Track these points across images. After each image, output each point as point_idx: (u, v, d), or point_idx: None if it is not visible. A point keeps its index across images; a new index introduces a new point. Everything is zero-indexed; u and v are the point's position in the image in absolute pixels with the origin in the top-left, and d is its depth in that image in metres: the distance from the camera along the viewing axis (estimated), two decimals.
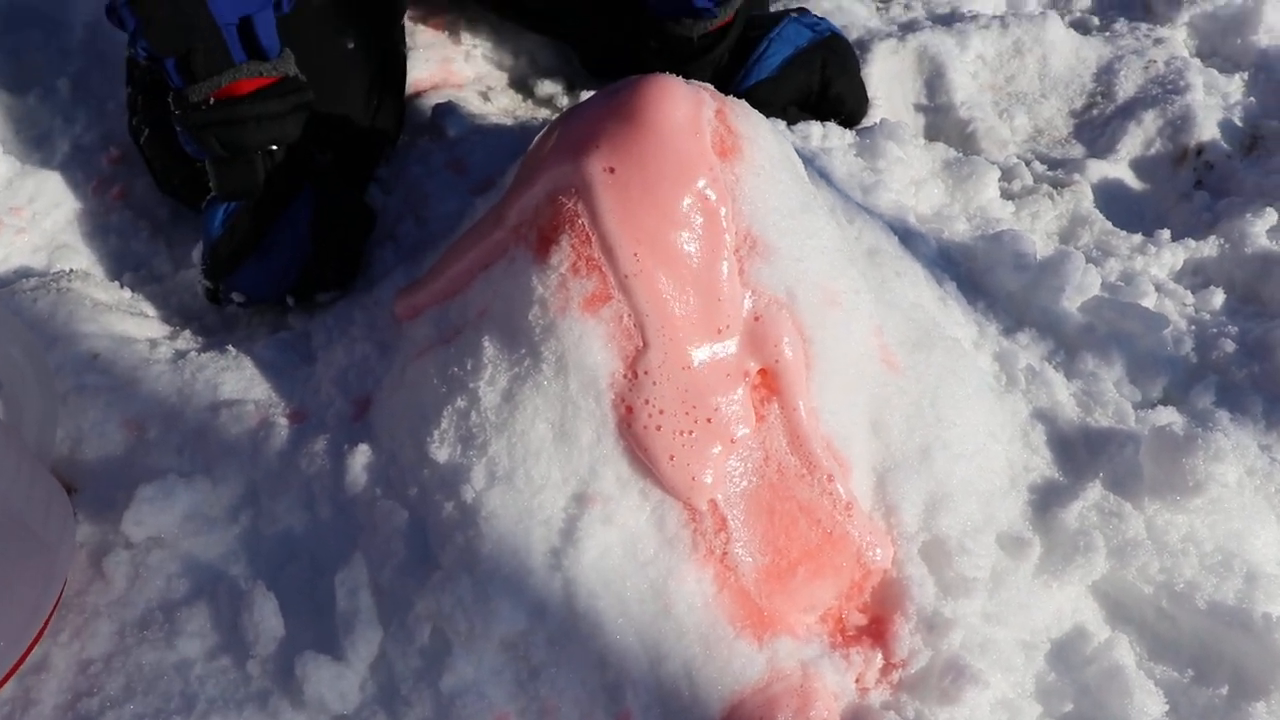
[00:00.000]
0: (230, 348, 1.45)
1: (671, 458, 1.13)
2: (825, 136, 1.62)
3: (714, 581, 1.15)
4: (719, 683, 1.13)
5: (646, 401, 1.13)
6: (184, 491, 1.26)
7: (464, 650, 1.13)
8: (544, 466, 1.15)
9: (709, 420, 1.13)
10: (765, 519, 1.17)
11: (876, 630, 1.21)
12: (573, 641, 1.13)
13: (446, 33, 1.98)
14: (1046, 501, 1.29)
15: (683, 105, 1.12)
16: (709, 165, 1.12)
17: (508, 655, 1.14)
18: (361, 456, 1.25)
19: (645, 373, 1.13)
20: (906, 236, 1.46)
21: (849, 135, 1.65)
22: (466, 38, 1.98)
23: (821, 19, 1.85)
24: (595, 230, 1.11)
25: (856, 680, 1.17)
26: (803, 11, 1.87)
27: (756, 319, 1.16)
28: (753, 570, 1.16)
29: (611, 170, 1.10)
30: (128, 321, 1.50)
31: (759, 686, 1.13)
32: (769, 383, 1.17)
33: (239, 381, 1.39)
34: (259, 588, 1.18)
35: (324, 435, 1.30)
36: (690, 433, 1.13)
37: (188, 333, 1.53)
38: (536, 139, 1.25)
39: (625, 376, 1.13)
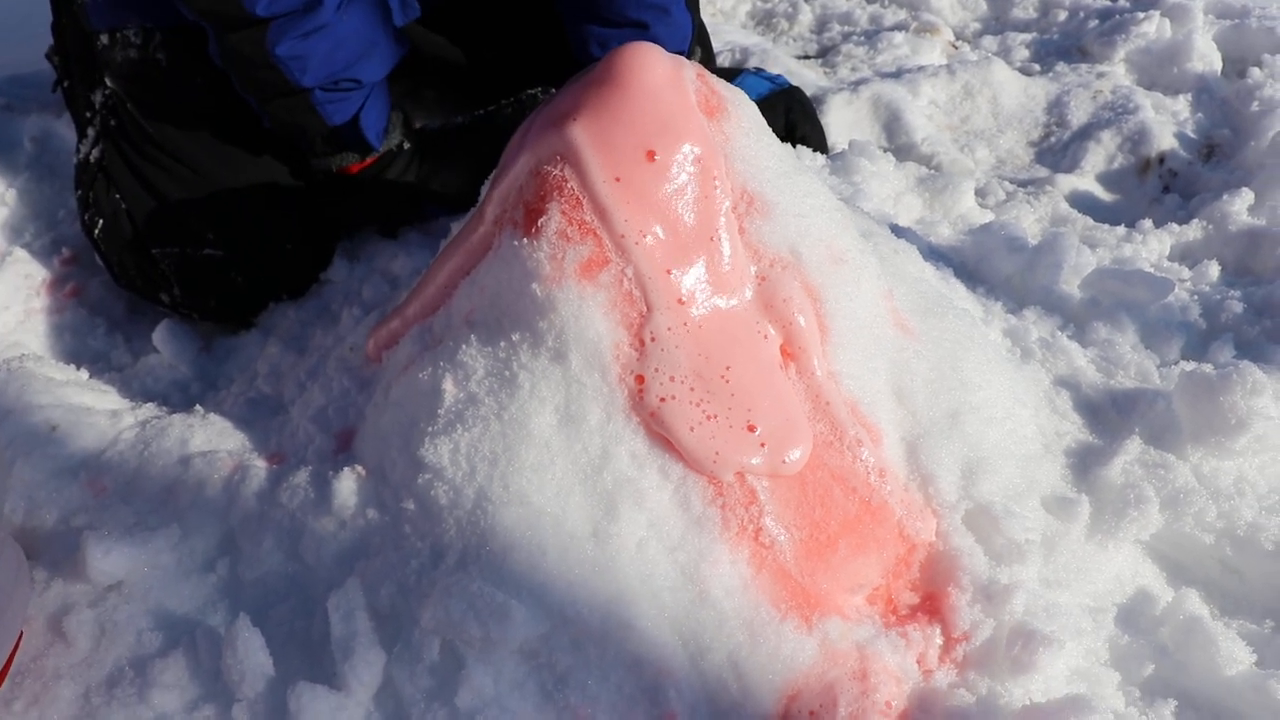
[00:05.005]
0: (199, 408, 1.36)
1: (691, 428, 1.05)
2: (798, 158, 1.61)
3: (750, 562, 1.05)
4: (770, 671, 1.01)
5: (657, 370, 1.05)
6: (154, 542, 1.14)
7: (480, 663, 1.00)
8: (551, 454, 1.06)
9: (727, 382, 1.05)
10: (797, 490, 1.08)
11: (931, 606, 1.10)
12: (601, 642, 1.01)
13: None
14: (1085, 463, 1.21)
15: (663, 65, 1.09)
16: (696, 121, 1.08)
17: (530, 664, 1.01)
18: (349, 481, 1.14)
19: (653, 339, 1.06)
20: (896, 231, 1.43)
21: (821, 158, 1.64)
22: None
23: (778, 74, 1.89)
24: (586, 192, 1.06)
25: (918, 660, 1.05)
26: (759, 69, 1.91)
27: (762, 280, 1.10)
28: (790, 547, 1.06)
29: (597, 132, 1.06)
30: (87, 395, 1.40)
31: (814, 672, 1.02)
32: (784, 347, 1.11)
33: (209, 435, 1.29)
34: (243, 623, 1.05)
35: (306, 469, 1.19)
36: (708, 400, 1.05)
37: (151, 405, 1.42)
38: (514, 135, 1.21)
39: (631, 346, 1.06)
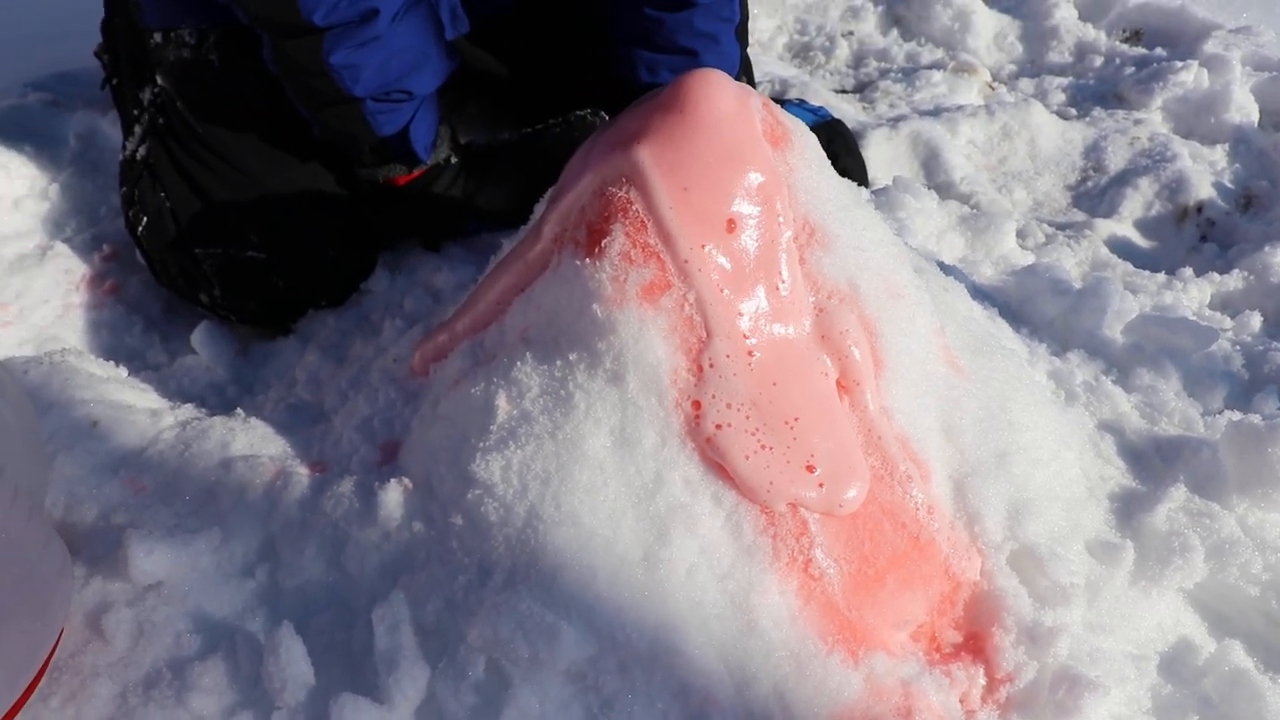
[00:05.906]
0: (240, 411, 1.36)
1: (746, 457, 1.05)
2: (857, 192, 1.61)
3: (799, 593, 1.05)
4: (815, 705, 1.00)
5: (714, 396, 1.05)
6: (195, 544, 1.14)
7: (525, 682, 1.00)
8: (604, 476, 1.06)
9: (790, 427, 1.05)
10: (848, 523, 1.07)
11: (975, 646, 1.10)
12: (649, 667, 1.01)
13: None
14: (1129, 508, 1.21)
15: (731, 94, 1.10)
16: (762, 150, 1.09)
17: (576, 686, 1.01)
18: (395, 493, 1.14)
19: (711, 365, 1.06)
20: (941, 268, 1.43)
21: (865, 193, 1.64)
22: None
23: (820, 106, 1.90)
24: (651, 215, 1.06)
25: (961, 700, 1.05)
26: (801, 100, 1.92)
27: (820, 311, 1.10)
28: (839, 580, 1.06)
29: (665, 156, 1.06)
30: (126, 392, 1.40)
31: (859, 707, 1.01)
32: (838, 380, 1.11)
33: (251, 439, 1.29)
34: (285, 630, 1.04)
35: (350, 479, 1.19)
36: (764, 430, 1.05)
37: (189, 406, 1.42)
38: (575, 154, 1.21)
39: (689, 371, 1.06)
